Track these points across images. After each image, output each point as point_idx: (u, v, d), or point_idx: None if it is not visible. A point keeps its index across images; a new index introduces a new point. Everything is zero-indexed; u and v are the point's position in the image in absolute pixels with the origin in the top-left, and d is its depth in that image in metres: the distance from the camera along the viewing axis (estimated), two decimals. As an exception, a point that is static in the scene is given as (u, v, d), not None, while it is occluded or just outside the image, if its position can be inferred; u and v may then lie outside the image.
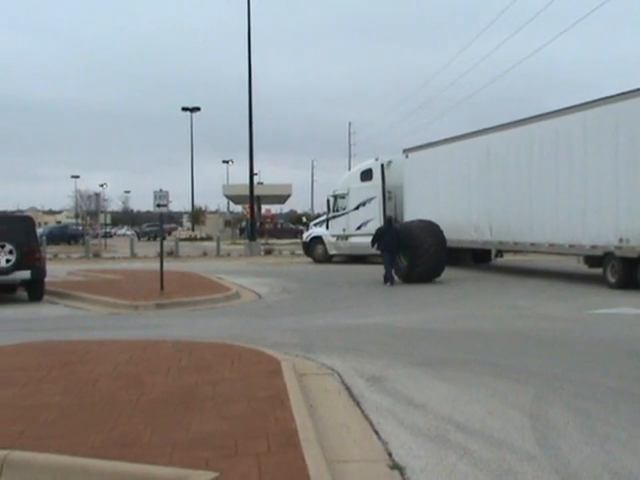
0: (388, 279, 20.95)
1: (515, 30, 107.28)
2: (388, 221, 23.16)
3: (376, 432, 6.35)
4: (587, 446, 5.78)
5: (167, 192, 18.51)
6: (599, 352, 10.06)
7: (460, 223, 26.15)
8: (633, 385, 7.89)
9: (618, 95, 18.48)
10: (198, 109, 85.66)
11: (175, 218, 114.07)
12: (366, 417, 6.83)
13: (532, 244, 22.32)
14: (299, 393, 7.24)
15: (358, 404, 7.30)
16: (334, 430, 6.36)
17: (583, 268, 21.61)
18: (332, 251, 32.34)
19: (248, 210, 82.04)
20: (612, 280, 18.67)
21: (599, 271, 19.56)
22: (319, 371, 8.95)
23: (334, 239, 32.13)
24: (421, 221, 22.85)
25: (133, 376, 8.04)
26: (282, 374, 8.08)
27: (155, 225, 73.80)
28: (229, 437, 5.74)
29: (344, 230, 31.62)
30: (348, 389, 7.94)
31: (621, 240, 18.08)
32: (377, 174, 31.51)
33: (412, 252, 21.19)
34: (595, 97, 19.41)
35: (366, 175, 31.97)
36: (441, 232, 22.22)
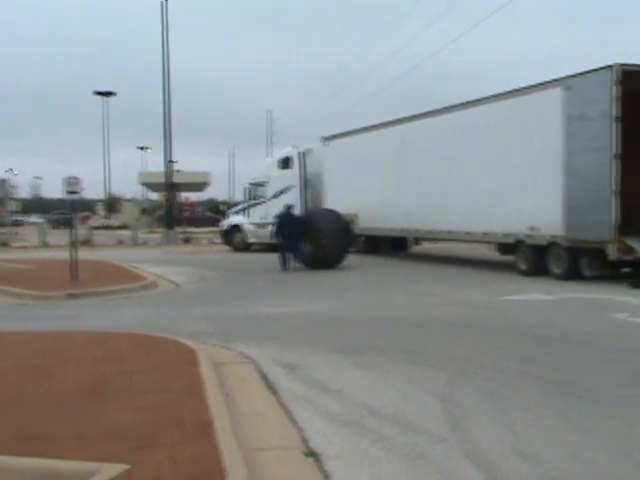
0: (285, 265, 21.63)
1: (432, 20, 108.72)
2: (287, 209, 23.14)
3: (292, 419, 6.38)
4: (496, 428, 5.95)
5: (79, 178, 18.04)
6: (509, 337, 10.35)
7: (378, 211, 26.45)
8: (540, 368, 8.16)
9: (526, 88, 18.99)
10: (113, 94, 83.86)
11: (89, 206, 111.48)
12: (282, 405, 6.85)
13: (448, 232, 22.75)
14: (215, 382, 7.21)
15: (275, 392, 7.31)
16: (250, 418, 6.36)
17: (496, 255, 22.17)
18: (251, 239, 32.20)
19: (165, 198, 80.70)
20: (523, 267, 19.22)
21: (511, 258, 20.11)
22: (236, 360, 8.93)
23: (253, 227, 31.98)
24: (323, 208, 23.60)
25: (43, 368, 7.85)
26: (198, 364, 8.03)
27: (64, 213, 71.67)
28: (143, 428, 5.67)
29: (263, 218, 31.49)
30: (265, 377, 7.94)
31: (531, 228, 18.62)
32: (296, 162, 31.50)
33: (314, 239, 21.77)
34: (508, 90, 19.87)
35: (285, 163, 31.92)
36: (342, 218, 23.18)
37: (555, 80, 17.87)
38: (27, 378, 7.39)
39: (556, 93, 17.63)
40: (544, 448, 5.43)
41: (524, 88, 19.06)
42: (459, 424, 6.08)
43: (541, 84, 18.39)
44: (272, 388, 7.48)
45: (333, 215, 23.32)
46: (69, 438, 5.45)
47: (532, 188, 18.61)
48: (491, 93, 20.60)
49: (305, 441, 5.76)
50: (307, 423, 6.23)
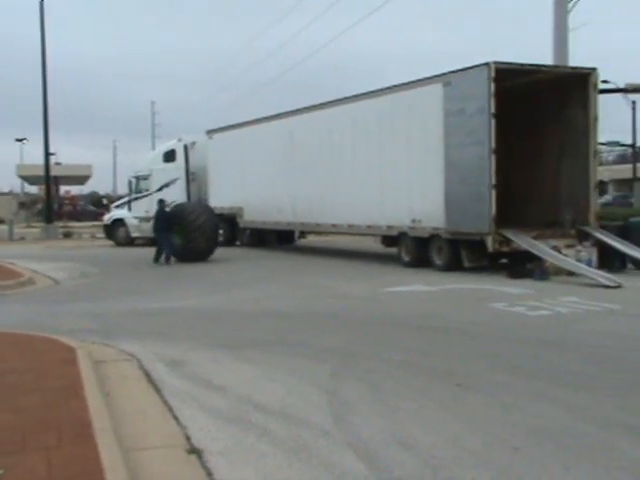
0: (162, 258, 21.97)
1: (321, 12, 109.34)
2: (160, 202, 23.27)
3: (175, 417, 6.26)
4: (378, 418, 6.04)
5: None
6: (392, 329, 10.56)
7: (265, 205, 26.44)
8: (422, 358, 8.35)
9: (409, 83, 19.40)
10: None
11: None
12: (165, 402, 6.72)
13: (333, 225, 22.99)
14: (95, 381, 6.99)
15: (157, 390, 7.16)
16: (131, 418, 6.21)
17: (380, 248, 22.58)
18: (135, 234, 31.49)
19: (45, 191, 77.79)
20: (406, 259, 19.65)
21: (395, 251, 20.51)
22: (118, 357, 8.71)
23: (136, 221, 31.26)
24: (194, 202, 24.14)
25: None
26: (77, 362, 7.77)
27: None
28: (16, 431, 5.43)
29: (147, 212, 30.84)
30: (148, 375, 7.77)
31: (414, 221, 19.06)
32: (180, 155, 31.11)
33: (184, 232, 22.19)
34: (392, 84, 20.22)
35: (169, 156, 31.45)
36: (213, 212, 23.88)
37: (435, 76, 18.35)
38: None
39: (436, 89, 18.10)
40: (424, 436, 5.55)
41: (407, 83, 19.47)
42: (342, 416, 6.14)
43: (422, 80, 18.84)
44: (155, 385, 7.32)
45: (202, 208, 23.82)
46: (-64, 445, 5.16)
47: (414, 182, 19.04)
48: (378, 87, 20.95)
49: (188, 438, 5.67)
50: (190, 420, 6.14)
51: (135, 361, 8.42)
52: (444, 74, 18.04)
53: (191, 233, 22.27)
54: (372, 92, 20.89)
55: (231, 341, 9.62)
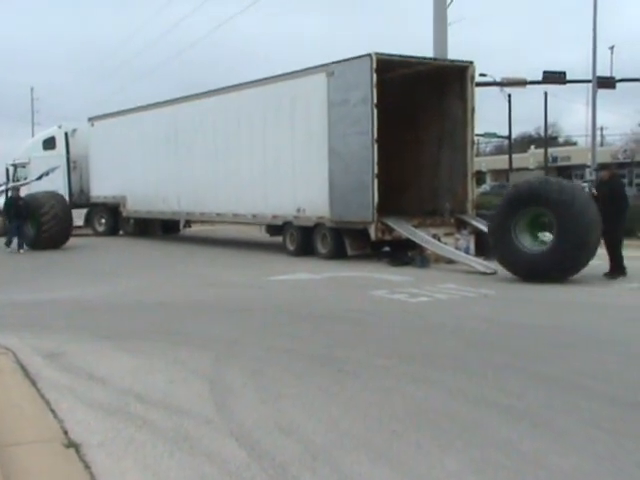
0: (13, 245, 22.72)
1: (199, 3, 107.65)
2: (14, 190, 24.69)
3: (52, 411, 6.09)
4: (261, 405, 6.08)
5: None
6: (275, 316, 10.61)
7: (149, 194, 26.02)
8: (304, 345, 8.45)
9: (293, 72, 19.51)
10: None
11: None
12: (42, 396, 6.52)
13: (218, 214, 22.87)
14: (-34, 376, 6.73)
15: (34, 383, 6.94)
16: (5, 413, 6.00)
17: (266, 237, 22.63)
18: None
19: None
20: (291, 248, 19.79)
21: (280, 240, 20.61)
22: (-9, 351, 8.38)
23: (13, 210, 30.10)
24: (46, 192, 24.26)
25: None
26: (-54, 357, 7.45)
27: None
28: None
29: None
30: (24, 368, 7.51)
31: (299, 210, 19.20)
32: (61, 143, 30.22)
33: (38, 221, 22.87)
34: (277, 74, 20.24)
35: (49, 143, 30.51)
36: (65, 201, 24.84)
37: (319, 66, 18.50)
38: None
39: (320, 79, 18.26)
40: (305, 422, 5.63)
41: (291, 73, 19.55)
42: (225, 404, 6.14)
43: (306, 69, 18.97)
44: (31, 379, 7.08)
45: (55, 198, 23.99)
46: None
47: (299, 171, 19.18)
48: (263, 76, 20.95)
49: (65, 432, 5.53)
50: (68, 413, 5.99)
51: (11, 354, 8.12)
52: (327, 64, 18.22)
53: (46, 223, 22.78)
54: (257, 81, 20.87)
55: (112, 332, 9.43)
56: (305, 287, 13.94)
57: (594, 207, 13.34)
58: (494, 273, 14.82)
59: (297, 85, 19.20)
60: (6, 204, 23.59)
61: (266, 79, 20.54)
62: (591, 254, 13.46)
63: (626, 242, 15.06)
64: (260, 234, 23.53)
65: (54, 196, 24.05)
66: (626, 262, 14.15)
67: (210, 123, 22.74)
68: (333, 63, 18.07)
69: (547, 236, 14.16)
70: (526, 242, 13.91)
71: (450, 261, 16.59)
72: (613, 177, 14.99)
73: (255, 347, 8.32)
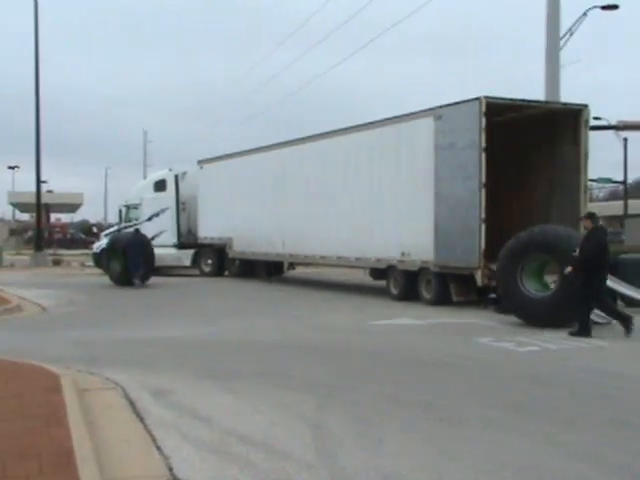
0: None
1: (307, 48, 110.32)
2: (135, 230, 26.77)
3: (158, 447, 6.20)
4: (363, 452, 6.00)
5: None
6: (378, 361, 10.52)
7: (254, 236, 26.45)
8: (407, 392, 8.32)
9: (400, 116, 19.52)
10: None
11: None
12: (149, 432, 6.65)
13: (322, 257, 22.97)
14: (78, 410, 6.93)
15: (141, 419, 7.10)
16: (114, 447, 6.14)
17: (369, 280, 22.57)
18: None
19: (36, 219, 77.52)
20: (395, 292, 19.63)
21: (383, 283, 20.50)
22: (102, 386, 8.63)
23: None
24: (127, 233, 27.33)
25: None
26: (61, 390, 7.70)
27: None
28: (-3, 459, 5.37)
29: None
30: (132, 404, 7.71)
31: (403, 254, 19.07)
32: (171, 185, 31.22)
33: (121, 259, 24.75)
34: (384, 117, 20.37)
35: (160, 185, 31.57)
36: (147, 240, 26.30)
37: (427, 110, 18.46)
38: None
39: (427, 122, 18.21)
40: (408, 472, 5.50)
41: (398, 116, 19.60)
42: (326, 449, 6.08)
43: (414, 113, 18.96)
44: (139, 415, 7.26)
45: (137, 239, 25.59)
46: None
47: (404, 215, 19.09)
48: (367, 120, 21.12)
49: (170, 469, 5.61)
50: (173, 450, 6.08)
51: (120, 390, 8.35)
52: (435, 108, 18.17)
53: (126, 261, 24.48)
54: (364, 125, 21.03)
55: (217, 372, 9.56)
56: (408, 332, 13.77)
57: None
58: (609, 323, 14.24)
59: (404, 128, 19.22)
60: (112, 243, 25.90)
61: (372, 123, 20.67)
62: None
63: None
64: (364, 277, 23.49)
65: (136, 237, 25.99)
66: None
67: (315, 166, 23.01)
68: (441, 107, 18.01)
69: (551, 281, 14.99)
70: (531, 287, 14.78)
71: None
72: None
73: (357, 392, 8.24)
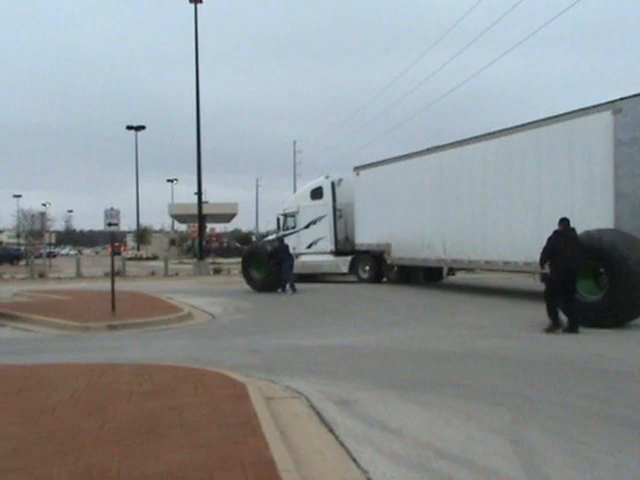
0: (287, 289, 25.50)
1: (461, 48, 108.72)
2: (280, 241, 27.50)
3: (354, 460, 6.09)
4: (573, 472, 5.62)
5: (118, 211, 18.06)
6: (560, 371, 9.95)
7: (412, 241, 26.19)
8: (602, 405, 7.79)
9: (572, 112, 18.64)
10: (143, 127, 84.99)
11: (118, 237, 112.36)
12: (341, 444, 6.56)
13: (486, 262, 22.34)
14: (270, 419, 6.94)
15: (331, 430, 7.02)
16: (310, 458, 6.09)
17: (536, 285, 21.72)
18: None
19: (193, 229, 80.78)
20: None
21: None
22: (285, 394, 8.64)
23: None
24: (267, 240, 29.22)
25: (93, 402, 7.63)
26: (249, 398, 7.77)
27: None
28: (202, 468, 5.43)
29: (294, 249, 31.39)
30: (318, 414, 7.65)
31: (576, 258, 18.15)
32: (327, 192, 31.51)
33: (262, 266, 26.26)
34: (553, 115, 19.57)
35: (316, 193, 31.93)
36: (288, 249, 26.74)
37: (604, 104, 17.52)
38: (80, 412, 7.16)
39: (605, 117, 17.28)
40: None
41: (570, 112, 18.74)
42: (533, 466, 5.75)
43: (587, 108, 18.07)
44: (328, 425, 7.19)
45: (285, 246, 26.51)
46: (128, 476, 5.23)
47: (578, 215, 18.18)
48: (520, 122, 20.43)
49: (372, 484, 5.48)
50: (370, 464, 5.94)
51: (303, 399, 8.34)
52: (613, 101, 17.20)
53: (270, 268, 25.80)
54: (529, 124, 20.26)
55: (397, 381, 9.37)
56: (583, 341, 13.03)
57: None
58: None
59: (575, 125, 18.35)
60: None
61: (539, 121, 19.88)
62: None
63: None
64: (533, 282, 22.64)
65: (272, 245, 27.19)
66: None
67: (477, 168, 22.46)
68: (621, 99, 17.02)
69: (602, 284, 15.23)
70: (583, 291, 15.23)
71: None
72: None
73: (549, 405, 7.81)
